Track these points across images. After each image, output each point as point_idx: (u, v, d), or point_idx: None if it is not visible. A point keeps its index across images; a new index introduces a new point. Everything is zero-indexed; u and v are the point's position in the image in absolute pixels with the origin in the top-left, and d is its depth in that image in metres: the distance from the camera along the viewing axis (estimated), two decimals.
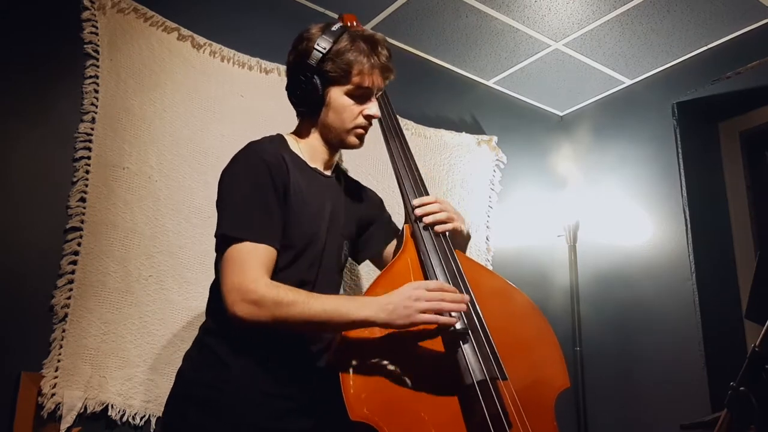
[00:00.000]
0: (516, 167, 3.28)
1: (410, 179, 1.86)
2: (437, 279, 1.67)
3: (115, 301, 2.09)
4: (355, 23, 2.22)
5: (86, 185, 2.12)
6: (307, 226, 1.65)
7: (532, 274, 3.18)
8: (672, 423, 2.08)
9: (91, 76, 2.20)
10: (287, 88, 1.78)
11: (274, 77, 2.60)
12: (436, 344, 1.60)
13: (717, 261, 2.93)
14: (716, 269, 2.92)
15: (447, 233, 1.79)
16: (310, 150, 1.76)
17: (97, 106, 2.18)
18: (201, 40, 2.45)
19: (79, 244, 2.07)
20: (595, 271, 3.21)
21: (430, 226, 1.77)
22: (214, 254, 2.28)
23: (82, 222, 2.09)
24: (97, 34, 2.23)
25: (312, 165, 1.74)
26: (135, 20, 2.32)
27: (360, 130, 1.76)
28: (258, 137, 2.48)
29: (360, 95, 1.72)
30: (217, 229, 1.60)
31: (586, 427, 2.96)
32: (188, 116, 2.37)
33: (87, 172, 2.13)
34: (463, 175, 3.05)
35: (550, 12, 2.79)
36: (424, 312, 1.50)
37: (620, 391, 3.02)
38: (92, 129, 2.16)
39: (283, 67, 2.62)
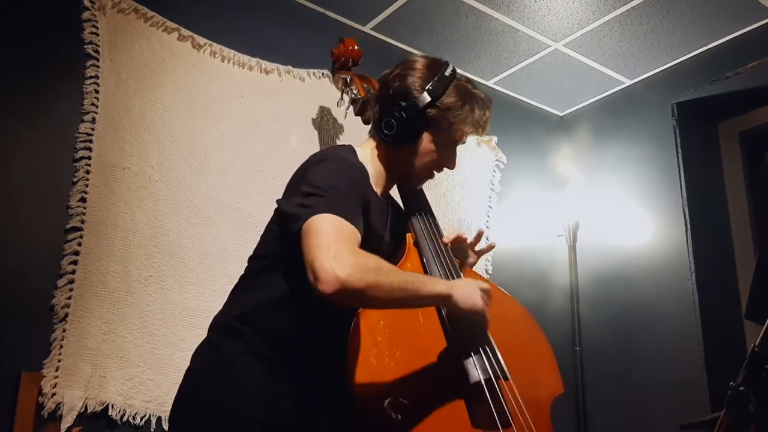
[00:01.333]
0: (516, 167, 3.28)
1: (420, 209, 1.89)
2: None
3: (115, 301, 2.09)
4: (356, 47, 2.27)
5: (87, 185, 2.12)
6: (366, 247, 1.65)
7: (532, 274, 3.18)
8: (672, 423, 2.08)
9: (91, 77, 2.20)
10: (380, 112, 1.73)
11: (275, 77, 2.61)
12: (442, 348, 1.63)
13: (717, 261, 2.94)
14: (716, 269, 2.92)
15: (448, 245, 1.82)
16: (375, 173, 1.75)
17: (97, 107, 2.19)
18: (201, 40, 2.46)
19: (79, 244, 2.07)
20: (595, 271, 3.22)
21: (434, 240, 1.79)
22: (215, 254, 2.29)
23: (82, 222, 2.09)
24: (97, 35, 2.24)
25: (374, 188, 1.73)
26: (135, 20, 2.32)
27: (431, 176, 1.79)
28: (258, 137, 2.51)
29: (447, 146, 1.74)
30: (300, 210, 1.48)
31: (586, 427, 2.96)
32: (189, 116, 2.37)
33: (87, 172, 2.13)
34: (463, 176, 3.05)
35: (550, 12, 2.79)
36: (484, 304, 1.59)
37: (620, 391, 3.02)
38: (93, 129, 2.17)
39: (283, 68, 2.63)
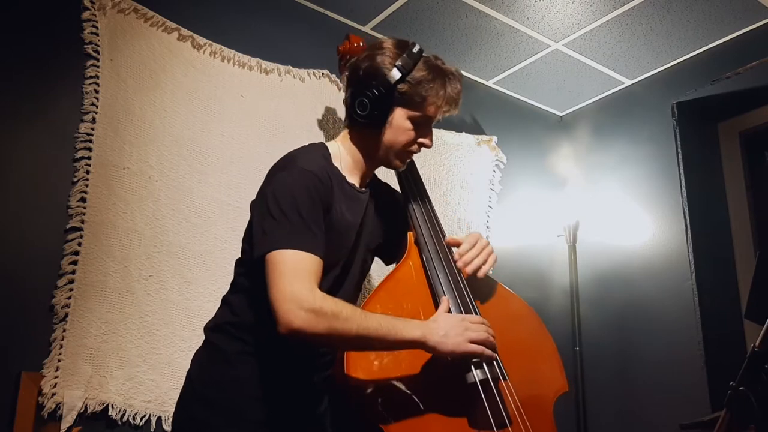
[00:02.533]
0: (516, 167, 3.28)
1: (421, 208, 1.87)
2: (441, 284, 1.70)
3: (115, 300, 2.09)
4: (362, 44, 2.27)
5: (86, 185, 2.12)
6: (337, 246, 1.65)
7: (532, 274, 3.18)
8: (672, 423, 2.08)
9: (91, 77, 2.20)
10: (351, 95, 1.74)
11: (274, 77, 2.60)
12: None
13: (717, 261, 2.94)
14: (716, 269, 2.92)
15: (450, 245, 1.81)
16: (351, 163, 1.75)
17: (97, 107, 2.19)
18: (201, 40, 2.46)
19: (79, 244, 2.07)
20: (595, 271, 3.22)
21: (434, 239, 1.79)
22: (215, 254, 2.30)
23: (82, 222, 2.09)
24: (97, 35, 2.23)
25: (350, 180, 1.73)
26: (135, 20, 2.32)
27: (408, 155, 1.78)
28: (258, 137, 2.51)
29: (421, 123, 1.73)
30: (262, 236, 1.54)
31: (586, 427, 2.96)
32: (188, 116, 2.37)
33: (87, 172, 2.13)
34: (463, 175, 3.05)
35: (550, 12, 2.79)
36: (473, 342, 1.55)
37: (620, 391, 3.02)
38: (92, 129, 2.16)
39: (283, 68, 2.63)
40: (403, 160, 1.78)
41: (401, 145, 1.73)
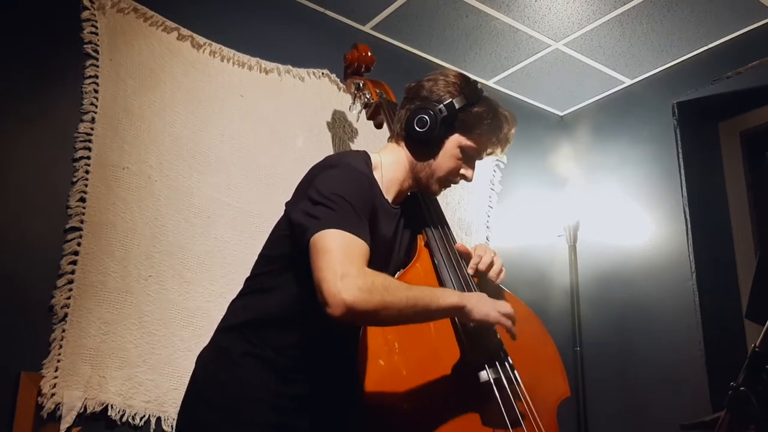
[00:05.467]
0: (516, 167, 3.28)
1: (431, 212, 1.88)
2: (452, 285, 1.71)
3: (114, 301, 2.09)
4: (370, 53, 2.32)
5: (86, 185, 2.11)
6: (373, 255, 1.63)
7: (533, 274, 3.18)
8: (672, 423, 2.08)
9: (90, 76, 2.20)
10: (410, 111, 1.74)
11: (274, 77, 2.60)
12: (452, 350, 1.65)
13: (717, 261, 2.93)
14: (716, 269, 2.91)
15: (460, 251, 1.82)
16: (391, 178, 1.74)
17: (96, 106, 2.18)
18: (201, 39, 2.45)
19: (78, 244, 2.07)
20: (595, 271, 3.21)
21: (446, 243, 1.80)
22: (215, 254, 2.29)
23: (81, 222, 2.09)
24: (96, 34, 2.23)
25: (385, 195, 1.72)
26: (135, 20, 2.32)
27: (448, 184, 1.80)
28: (258, 137, 2.51)
29: (470, 155, 1.78)
30: (310, 221, 1.48)
31: (587, 427, 2.96)
32: (188, 116, 2.37)
33: (87, 172, 2.13)
34: None
35: (550, 12, 2.79)
36: (501, 314, 1.60)
37: (620, 391, 3.02)
38: (92, 129, 2.16)
39: (283, 67, 2.63)
40: (442, 186, 1.80)
41: (446, 171, 1.76)
